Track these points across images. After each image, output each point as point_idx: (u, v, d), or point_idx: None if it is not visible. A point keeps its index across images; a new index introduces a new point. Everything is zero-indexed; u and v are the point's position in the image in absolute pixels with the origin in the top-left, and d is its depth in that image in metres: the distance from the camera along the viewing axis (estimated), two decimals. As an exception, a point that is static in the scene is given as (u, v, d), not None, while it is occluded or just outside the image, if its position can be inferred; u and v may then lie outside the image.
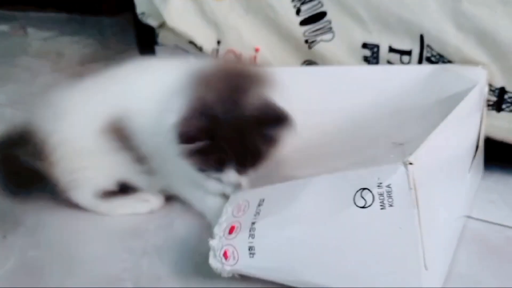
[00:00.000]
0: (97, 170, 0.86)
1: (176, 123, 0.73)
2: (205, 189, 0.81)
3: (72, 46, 2.41)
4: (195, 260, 0.78)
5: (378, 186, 0.60)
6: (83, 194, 0.88)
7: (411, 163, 0.58)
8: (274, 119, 0.75)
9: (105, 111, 0.83)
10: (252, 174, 0.78)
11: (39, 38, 2.69)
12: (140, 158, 0.85)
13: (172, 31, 1.22)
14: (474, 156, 0.85)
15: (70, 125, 0.85)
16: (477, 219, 0.85)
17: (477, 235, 0.81)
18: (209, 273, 0.71)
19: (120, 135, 0.83)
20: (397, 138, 0.67)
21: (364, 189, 0.61)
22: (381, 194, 0.60)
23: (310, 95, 0.90)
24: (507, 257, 0.76)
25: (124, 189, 0.89)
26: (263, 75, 0.81)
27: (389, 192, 0.60)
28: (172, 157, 0.77)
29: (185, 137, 0.72)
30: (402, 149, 0.62)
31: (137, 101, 0.82)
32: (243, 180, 0.78)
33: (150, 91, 0.82)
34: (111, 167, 0.86)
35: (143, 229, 0.87)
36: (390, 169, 0.60)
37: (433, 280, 0.65)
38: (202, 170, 0.77)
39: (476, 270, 0.73)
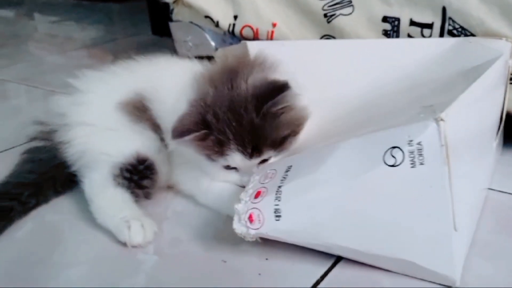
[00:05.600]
0: (115, 144, 0.84)
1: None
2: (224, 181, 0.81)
3: (79, 30, 2.41)
4: (215, 225, 0.78)
5: (409, 143, 0.59)
6: (99, 173, 0.82)
7: (442, 120, 0.57)
8: (269, 93, 0.74)
9: (126, 90, 0.86)
10: (259, 156, 0.76)
11: (46, 22, 2.68)
12: (157, 128, 0.85)
13: (188, 6, 1.22)
14: (499, 128, 0.85)
15: (89, 103, 0.87)
16: (498, 191, 0.84)
17: (497, 205, 0.81)
18: (230, 238, 0.70)
19: (142, 108, 0.85)
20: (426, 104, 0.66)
21: (394, 147, 0.60)
22: (411, 152, 0.59)
23: (334, 68, 0.89)
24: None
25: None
26: (260, 61, 0.81)
27: (420, 149, 0.59)
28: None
29: (177, 132, 0.73)
30: (432, 109, 0.62)
31: (158, 84, 0.86)
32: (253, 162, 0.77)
33: (170, 79, 0.86)
34: (129, 138, 0.84)
35: (161, 197, 0.87)
36: (421, 126, 0.59)
37: (462, 242, 0.64)
38: (208, 157, 0.77)
39: (499, 237, 0.73)
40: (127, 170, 0.81)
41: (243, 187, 0.75)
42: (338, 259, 0.69)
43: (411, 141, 0.59)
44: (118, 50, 1.98)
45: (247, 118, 0.74)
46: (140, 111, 0.85)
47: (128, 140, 0.83)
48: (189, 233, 0.77)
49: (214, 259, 0.70)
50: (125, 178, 0.80)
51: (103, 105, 0.86)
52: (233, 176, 0.80)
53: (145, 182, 0.82)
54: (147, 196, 0.83)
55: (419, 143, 0.59)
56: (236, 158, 0.75)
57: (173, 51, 1.45)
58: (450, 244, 0.60)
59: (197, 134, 0.74)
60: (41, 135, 0.92)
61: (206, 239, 0.75)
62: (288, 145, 0.78)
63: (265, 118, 0.74)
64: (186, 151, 0.78)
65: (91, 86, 0.90)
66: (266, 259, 0.70)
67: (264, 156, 0.77)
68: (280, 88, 0.73)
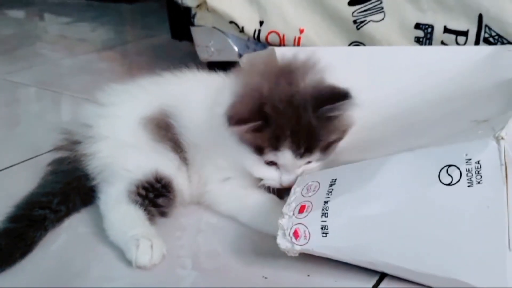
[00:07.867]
0: (136, 160, 0.82)
1: (225, 111, 0.73)
2: (260, 178, 0.79)
3: (91, 31, 2.40)
4: (252, 238, 0.77)
5: (467, 162, 0.58)
6: (115, 189, 0.80)
7: (503, 138, 0.55)
8: (330, 97, 0.73)
9: (150, 106, 0.86)
10: (308, 157, 0.75)
11: (57, 23, 2.67)
12: (178, 147, 0.84)
13: (212, 11, 1.20)
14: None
15: (114, 116, 0.87)
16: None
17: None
18: (269, 252, 0.70)
19: (164, 126, 0.84)
20: (475, 117, 0.64)
21: (450, 165, 0.59)
22: (469, 171, 0.58)
23: (365, 75, 0.87)
24: None
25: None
26: (313, 63, 0.79)
27: (478, 168, 0.57)
28: (223, 149, 0.79)
29: (234, 119, 0.71)
30: (488, 126, 0.60)
31: (184, 99, 0.86)
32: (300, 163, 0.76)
33: (196, 93, 0.86)
34: (150, 156, 0.82)
35: (194, 209, 0.85)
36: (480, 144, 0.57)
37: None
38: (258, 149, 0.75)
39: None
40: (144, 188, 0.79)
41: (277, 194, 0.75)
42: (382, 276, 0.67)
43: (469, 159, 0.58)
44: (132, 53, 1.97)
45: (305, 118, 0.72)
46: (162, 129, 0.84)
47: (148, 157, 0.82)
48: (226, 246, 0.75)
49: (255, 275, 0.69)
50: (140, 195, 0.78)
51: (128, 120, 0.86)
52: (272, 173, 0.77)
53: (161, 201, 0.79)
54: (163, 214, 0.80)
55: (477, 162, 0.57)
56: (287, 155, 0.74)
57: (190, 55, 1.44)
58: (504, 264, 0.58)
59: (255, 124, 0.72)
60: (65, 145, 0.91)
61: (244, 253, 0.73)
62: (332, 150, 0.77)
63: (321, 121, 0.73)
64: (226, 142, 0.77)
65: (117, 100, 0.90)
66: (308, 275, 0.68)
67: (311, 158, 0.76)
68: (342, 95, 0.72)
